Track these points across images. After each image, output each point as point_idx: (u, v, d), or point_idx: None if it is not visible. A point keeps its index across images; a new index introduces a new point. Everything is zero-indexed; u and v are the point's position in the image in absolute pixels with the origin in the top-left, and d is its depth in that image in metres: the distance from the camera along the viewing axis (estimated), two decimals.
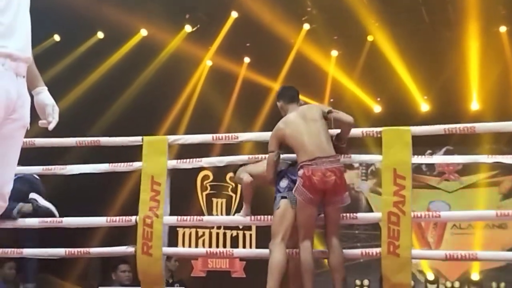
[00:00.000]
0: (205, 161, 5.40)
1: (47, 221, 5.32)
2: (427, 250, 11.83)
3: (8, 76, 2.68)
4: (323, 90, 11.74)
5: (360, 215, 5.23)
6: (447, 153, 12.33)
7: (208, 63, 11.54)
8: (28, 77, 2.86)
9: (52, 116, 2.97)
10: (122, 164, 5.24)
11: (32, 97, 2.94)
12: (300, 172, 4.75)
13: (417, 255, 4.75)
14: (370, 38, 10.72)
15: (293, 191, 4.79)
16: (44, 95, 2.98)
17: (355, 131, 5.03)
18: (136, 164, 5.17)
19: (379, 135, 4.80)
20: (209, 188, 11.62)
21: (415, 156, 4.70)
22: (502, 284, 11.97)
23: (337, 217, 4.86)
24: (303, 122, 4.95)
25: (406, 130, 4.76)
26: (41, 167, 5.36)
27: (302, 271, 4.75)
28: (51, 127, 2.98)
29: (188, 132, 10.75)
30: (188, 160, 5.16)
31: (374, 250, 4.84)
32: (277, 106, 5.32)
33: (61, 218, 5.40)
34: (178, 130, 11.14)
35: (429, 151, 12.49)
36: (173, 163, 5.13)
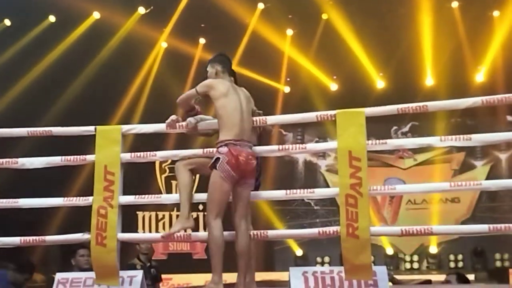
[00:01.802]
0: (159, 155, 5.31)
1: (3, 202, 5.21)
2: (383, 226, 12.01)
3: None
4: (279, 69, 11.76)
5: (317, 190, 5.19)
6: (412, 128, 12.50)
7: (163, 45, 11.44)
8: None
9: None
10: (75, 157, 5.14)
11: None
12: (224, 149, 4.66)
13: (374, 232, 4.75)
14: (324, 16, 10.75)
15: (216, 166, 4.66)
16: None
17: (310, 115, 5.00)
18: (90, 158, 5.08)
19: (333, 118, 4.79)
20: (167, 170, 11.57)
21: (369, 143, 4.70)
22: (460, 256, 12.22)
23: (248, 199, 4.81)
24: (237, 97, 4.86)
25: (360, 112, 4.74)
26: None
27: (215, 249, 4.61)
28: None
29: (144, 116, 10.69)
30: (142, 154, 5.07)
31: (332, 229, 4.81)
32: None
33: (17, 199, 5.28)
34: (134, 114, 11.05)
35: (395, 127, 12.68)
36: (127, 157, 5.05)
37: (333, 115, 4.81)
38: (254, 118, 4.95)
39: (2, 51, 10.03)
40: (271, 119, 5.03)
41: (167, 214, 11.37)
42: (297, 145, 5.17)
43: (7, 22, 10.48)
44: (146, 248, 7.52)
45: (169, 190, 11.50)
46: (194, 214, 11.29)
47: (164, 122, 5.25)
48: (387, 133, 12.10)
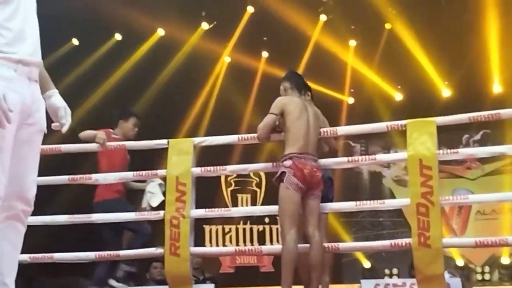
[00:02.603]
0: (229, 169, 5.43)
1: (78, 218, 5.35)
2: (455, 238, 11.79)
3: (21, 81, 2.70)
4: (342, 81, 11.72)
5: (387, 201, 5.22)
6: (484, 136, 12.24)
7: (226, 59, 11.55)
8: (39, 81, 2.87)
9: (65, 118, 2.97)
10: (147, 172, 5.25)
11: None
12: (289, 163, 4.71)
13: (447, 243, 4.70)
14: (388, 26, 10.66)
15: (282, 180, 4.71)
16: (55, 98, 2.98)
17: (380, 125, 5.01)
18: (161, 172, 5.18)
19: (403, 128, 4.77)
20: (233, 184, 11.63)
21: (440, 152, 4.66)
22: None
23: (318, 208, 4.82)
24: (306, 113, 4.92)
25: (431, 121, 4.73)
26: (67, 177, 5.37)
27: (288, 262, 4.61)
28: (64, 129, 2.98)
29: (209, 130, 10.79)
30: (212, 168, 5.17)
31: (403, 241, 4.80)
32: None
33: (90, 214, 5.41)
34: (199, 128, 11.18)
35: (466, 136, 12.45)
36: (198, 171, 5.14)
37: (403, 124, 4.79)
38: (325, 129, 4.98)
39: (70, 70, 10.27)
40: (341, 130, 5.05)
41: (233, 227, 11.42)
42: (367, 157, 5.18)
43: (75, 41, 10.76)
44: (197, 263, 7.60)
45: (235, 204, 11.56)
46: (261, 227, 11.35)
47: (229, 134, 5.34)
48: (457, 142, 11.84)
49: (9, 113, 2.53)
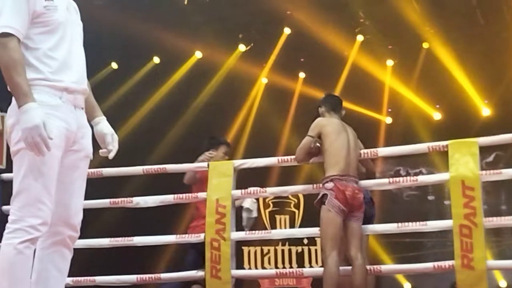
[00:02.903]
0: (269, 192, 5.45)
1: (118, 240, 5.39)
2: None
3: (66, 109, 2.74)
4: (380, 101, 11.66)
5: (430, 222, 5.15)
6: (496, 158, 11.96)
7: (263, 80, 11.58)
8: (87, 108, 2.92)
9: (112, 144, 3.01)
10: (187, 195, 5.28)
11: (92, 127, 2.98)
12: (330, 185, 4.70)
13: (492, 265, 4.63)
14: (425, 45, 10.59)
15: (324, 202, 4.71)
16: (102, 125, 3.03)
17: (421, 146, 4.99)
18: (201, 195, 5.20)
19: (445, 149, 4.73)
20: (271, 205, 11.60)
21: (483, 173, 4.61)
22: None
23: (360, 230, 4.80)
24: (345, 134, 4.92)
25: (473, 142, 4.69)
26: (108, 200, 5.42)
27: (330, 284, 4.59)
28: (111, 156, 3.02)
29: (247, 152, 10.81)
30: (252, 190, 5.18)
31: (446, 263, 4.75)
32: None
33: (131, 237, 5.44)
34: (238, 150, 11.19)
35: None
36: (238, 194, 5.15)
37: (445, 145, 4.75)
38: (365, 151, 4.97)
39: (110, 94, 10.39)
40: (382, 151, 5.03)
41: (272, 248, 11.35)
42: (408, 178, 5.15)
43: (114, 65, 10.91)
44: None
45: (273, 226, 11.52)
46: (299, 249, 11.29)
47: (267, 156, 5.35)
48: None
49: (49, 140, 2.57)
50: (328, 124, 4.96)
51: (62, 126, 2.70)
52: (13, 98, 2.67)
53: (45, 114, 2.59)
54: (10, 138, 2.70)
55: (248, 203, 5.81)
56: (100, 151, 3.01)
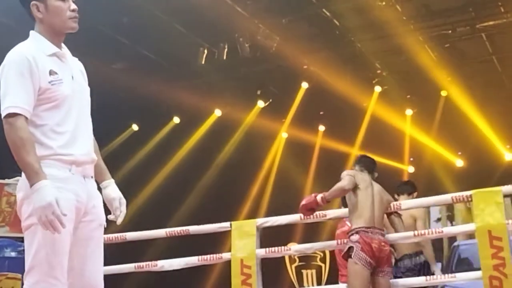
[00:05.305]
0: (294, 249, 5.38)
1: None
2: None
3: (75, 180, 2.73)
4: (401, 150, 11.63)
5: (459, 274, 5.06)
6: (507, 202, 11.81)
7: (283, 135, 11.62)
8: (95, 172, 2.90)
9: (119, 209, 2.95)
10: (212, 256, 5.22)
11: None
12: (356, 237, 4.64)
13: None
14: (444, 93, 10.60)
15: (350, 255, 4.64)
16: (110, 189, 2.98)
17: (445, 197, 4.92)
18: (226, 255, 5.15)
19: (470, 199, 4.68)
20: (297, 260, 11.50)
21: (509, 222, 4.54)
22: None
23: (388, 286, 4.71)
24: (371, 188, 4.90)
25: (497, 190, 4.62)
26: (133, 264, 5.38)
27: None
28: (119, 221, 2.95)
29: (271, 206, 10.78)
30: (277, 248, 5.12)
31: None
32: None
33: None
34: (261, 204, 11.17)
35: None
36: (262, 253, 5.10)
37: (469, 195, 4.70)
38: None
39: (131, 155, 10.47)
40: (405, 204, 4.98)
41: None
42: (434, 229, 5.06)
43: (135, 127, 11.01)
44: None
45: (300, 281, 11.40)
46: None
47: (291, 213, 5.31)
48: None
49: (63, 216, 2.56)
50: (356, 175, 4.95)
51: (72, 198, 2.68)
52: (22, 173, 2.67)
53: (56, 188, 2.58)
54: (20, 212, 2.69)
55: None
56: (109, 216, 2.96)
